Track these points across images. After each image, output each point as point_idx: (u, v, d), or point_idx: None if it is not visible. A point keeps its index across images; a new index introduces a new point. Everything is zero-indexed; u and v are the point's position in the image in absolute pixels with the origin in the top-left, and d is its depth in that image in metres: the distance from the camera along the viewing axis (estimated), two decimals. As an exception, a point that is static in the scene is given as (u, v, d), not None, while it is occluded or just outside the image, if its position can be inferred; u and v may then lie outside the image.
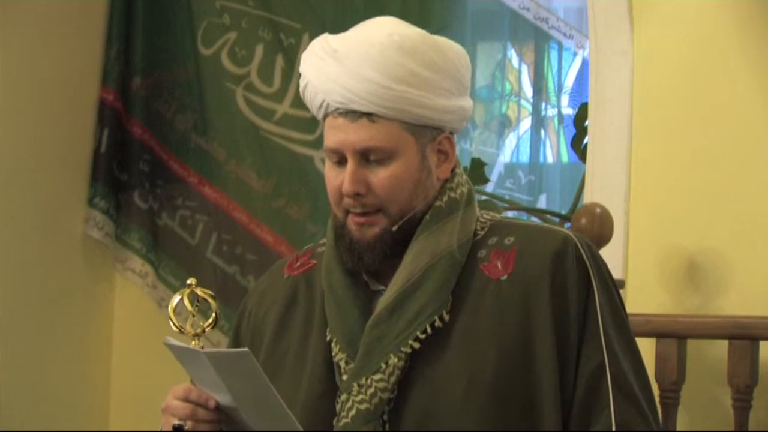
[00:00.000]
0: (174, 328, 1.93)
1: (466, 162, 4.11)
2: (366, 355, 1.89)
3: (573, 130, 4.25)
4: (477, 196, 3.80)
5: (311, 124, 4.22)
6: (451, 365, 1.87)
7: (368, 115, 1.91)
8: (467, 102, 2.00)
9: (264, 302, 2.07)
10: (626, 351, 1.91)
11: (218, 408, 1.89)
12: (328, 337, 1.95)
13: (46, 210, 4.13)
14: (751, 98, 3.37)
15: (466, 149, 4.87)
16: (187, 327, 1.92)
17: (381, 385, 1.88)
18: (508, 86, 5.34)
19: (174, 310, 1.94)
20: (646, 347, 3.16)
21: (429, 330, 1.88)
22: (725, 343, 3.14)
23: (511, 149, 5.34)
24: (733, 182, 3.37)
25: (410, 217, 1.93)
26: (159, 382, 4.35)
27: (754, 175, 3.36)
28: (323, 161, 4.20)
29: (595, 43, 3.58)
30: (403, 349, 1.88)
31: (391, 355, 1.88)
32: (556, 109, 5.37)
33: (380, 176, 1.91)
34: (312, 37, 4.56)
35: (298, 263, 2.09)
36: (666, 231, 3.44)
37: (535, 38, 5.24)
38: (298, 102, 4.23)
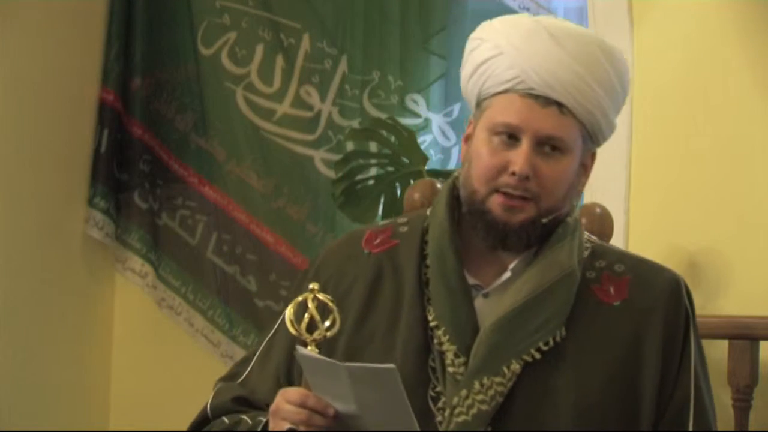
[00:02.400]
0: (293, 333, 1.86)
1: (466, 162, 4.10)
2: (488, 355, 1.89)
3: (573, 130, 4.25)
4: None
5: (311, 124, 4.22)
6: (561, 380, 1.90)
7: (559, 105, 1.91)
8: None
9: (345, 276, 2.03)
10: (707, 389, 2.03)
11: (336, 416, 1.85)
12: (434, 323, 1.92)
13: (46, 210, 4.13)
14: (751, 98, 3.37)
15: (466, 149, 4.87)
16: (303, 332, 1.84)
17: (500, 388, 1.88)
18: (508, 86, 5.34)
19: (295, 315, 1.87)
20: (646, 347, 3.16)
21: (552, 342, 1.90)
22: (725, 343, 3.15)
23: (511, 149, 5.35)
24: (733, 182, 3.37)
25: (555, 216, 1.95)
26: (159, 382, 4.36)
27: (754, 174, 3.36)
28: (323, 161, 4.22)
29: (595, 43, 3.58)
30: (524, 357, 1.89)
31: (513, 361, 1.88)
32: (556, 109, 5.38)
33: (550, 167, 1.92)
34: (312, 38, 4.58)
35: (378, 240, 2.05)
36: (666, 231, 3.44)
37: (535, 38, 5.24)
38: (298, 102, 4.23)
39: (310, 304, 1.85)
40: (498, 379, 1.87)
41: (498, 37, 1.96)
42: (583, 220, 3.16)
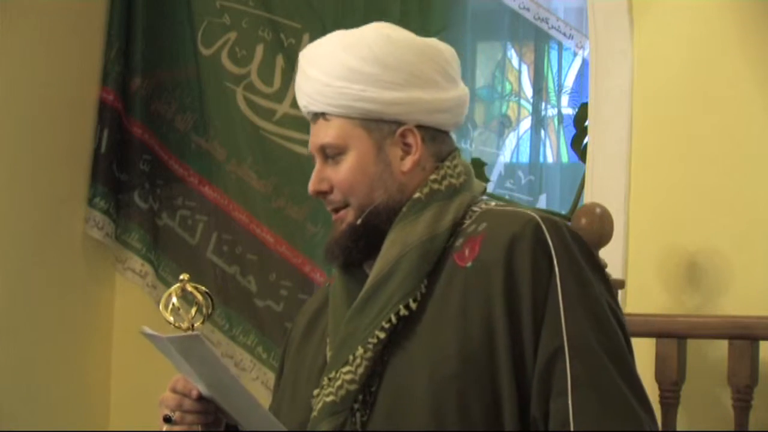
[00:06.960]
0: (168, 322, 1.93)
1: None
2: (339, 348, 1.89)
3: (573, 130, 4.25)
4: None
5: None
6: (416, 354, 1.85)
7: (323, 115, 1.96)
8: (438, 94, 1.96)
9: (302, 313, 2.12)
10: (595, 332, 1.82)
11: (202, 398, 1.90)
12: (327, 339, 1.96)
13: (46, 210, 4.13)
14: (751, 98, 3.37)
15: (467, 149, 4.87)
16: (185, 324, 1.92)
17: (348, 377, 1.86)
18: (508, 86, 5.34)
19: (165, 306, 1.94)
20: (646, 347, 3.16)
21: (394, 320, 1.86)
22: (725, 343, 3.15)
23: (511, 149, 5.35)
24: (734, 182, 3.37)
25: (372, 210, 1.94)
26: (159, 382, 4.35)
27: (755, 175, 3.36)
28: (323, 161, 4.23)
29: (595, 43, 3.58)
30: (370, 340, 1.86)
31: (359, 347, 1.87)
32: (556, 109, 5.38)
33: (336, 172, 1.96)
34: (312, 37, 4.58)
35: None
36: (666, 231, 3.44)
37: (535, 38, 5.24)
38: (298, 102, 4.24)
39: (174, 296, 1.92)
40: (345, 369, 1.87)
41: None
42: (583, 220, 3.18)
